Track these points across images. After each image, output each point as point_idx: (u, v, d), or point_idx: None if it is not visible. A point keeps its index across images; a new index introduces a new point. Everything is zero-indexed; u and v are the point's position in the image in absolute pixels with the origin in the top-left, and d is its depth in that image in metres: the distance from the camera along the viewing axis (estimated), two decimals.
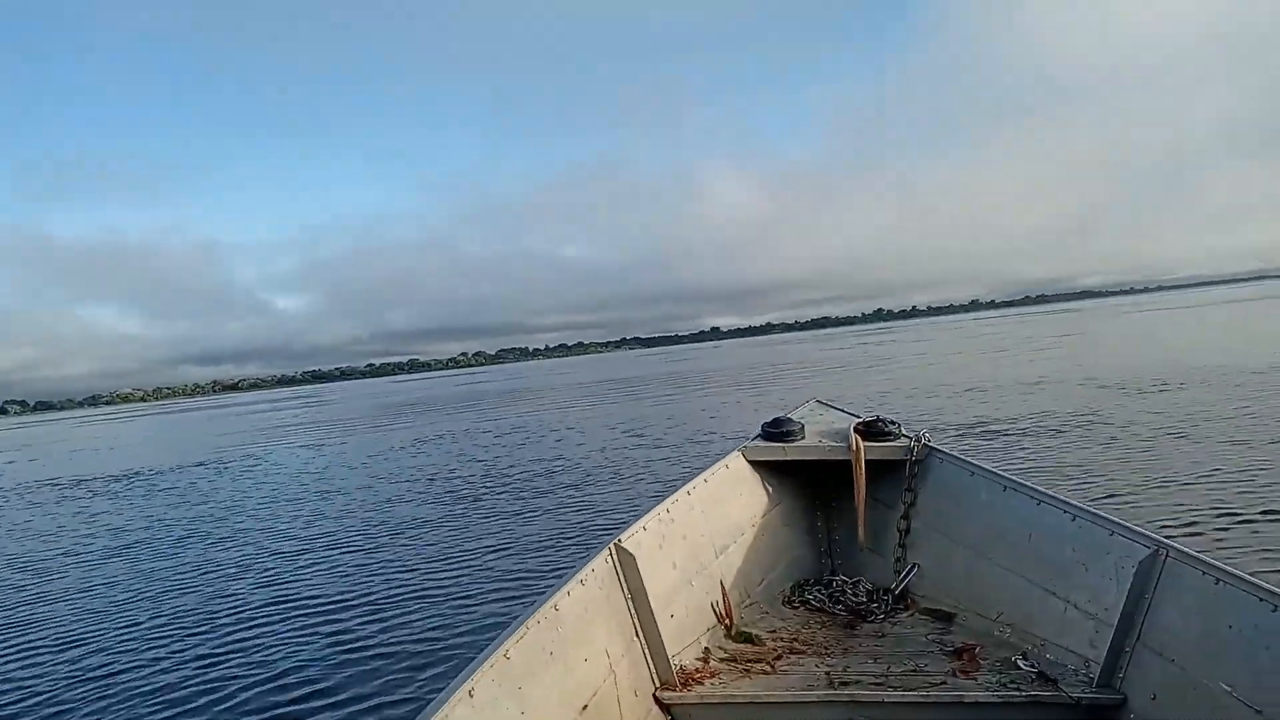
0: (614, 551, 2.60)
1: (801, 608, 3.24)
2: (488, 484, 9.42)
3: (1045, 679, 2.41)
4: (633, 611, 2.57)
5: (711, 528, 3.23)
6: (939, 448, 3.36)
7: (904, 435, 3.48)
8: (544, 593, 2.25)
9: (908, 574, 3.21)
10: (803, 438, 3.61)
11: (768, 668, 2.69)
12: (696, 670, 2.65)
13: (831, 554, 3.59)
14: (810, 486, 3.72)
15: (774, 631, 3.01)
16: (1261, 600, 1.90)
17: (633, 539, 2.70)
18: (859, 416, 3.73)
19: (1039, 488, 2.84)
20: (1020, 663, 2.53)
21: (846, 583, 3.31)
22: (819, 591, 3.30)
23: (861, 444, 3.38)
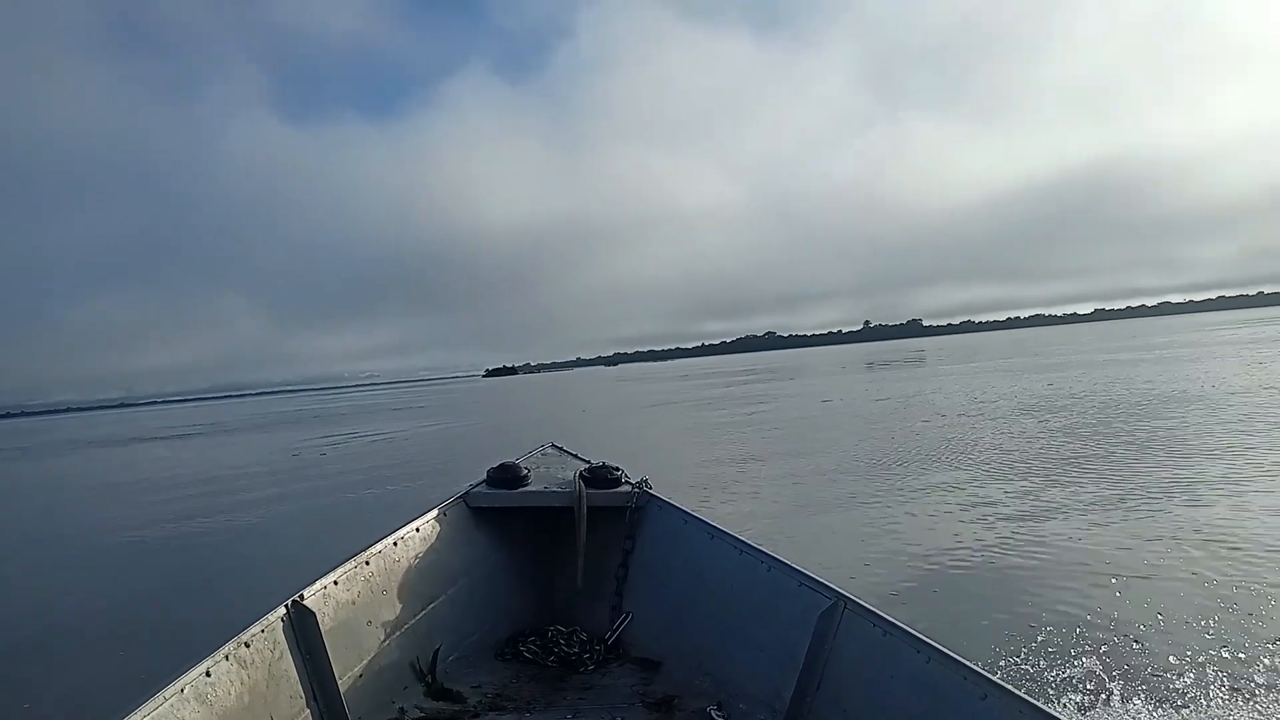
0: (290, 609, 2.33)
1: (514, 660, 3.12)
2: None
3: None
4: (308, 676, 2.31)
5: (421, 578, 3.01)
6: (658, 495, 3.41)
7: (627, 482, 3.48)
8: (194, 661, 1.94)
9: (621, 623, 3.21)
10: (529, 484, 3.51)
11: None
12: None
13: (551, 603, 3.50)
14: (534, 534, 3.61)
15: (478, 686, 2.86)
16: (918, 652, 2.09)
17: (317, 595, 2.45)
18: (589, 462, 3.72)
19: (740, 537, 2.93)
20: (714, 713, 2.58)
21: (561, 633, 3.24)
22: (533, 643, 3.19)
23: (584, 490, 3.35)
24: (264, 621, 2.23)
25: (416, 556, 3.05)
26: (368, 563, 2.78)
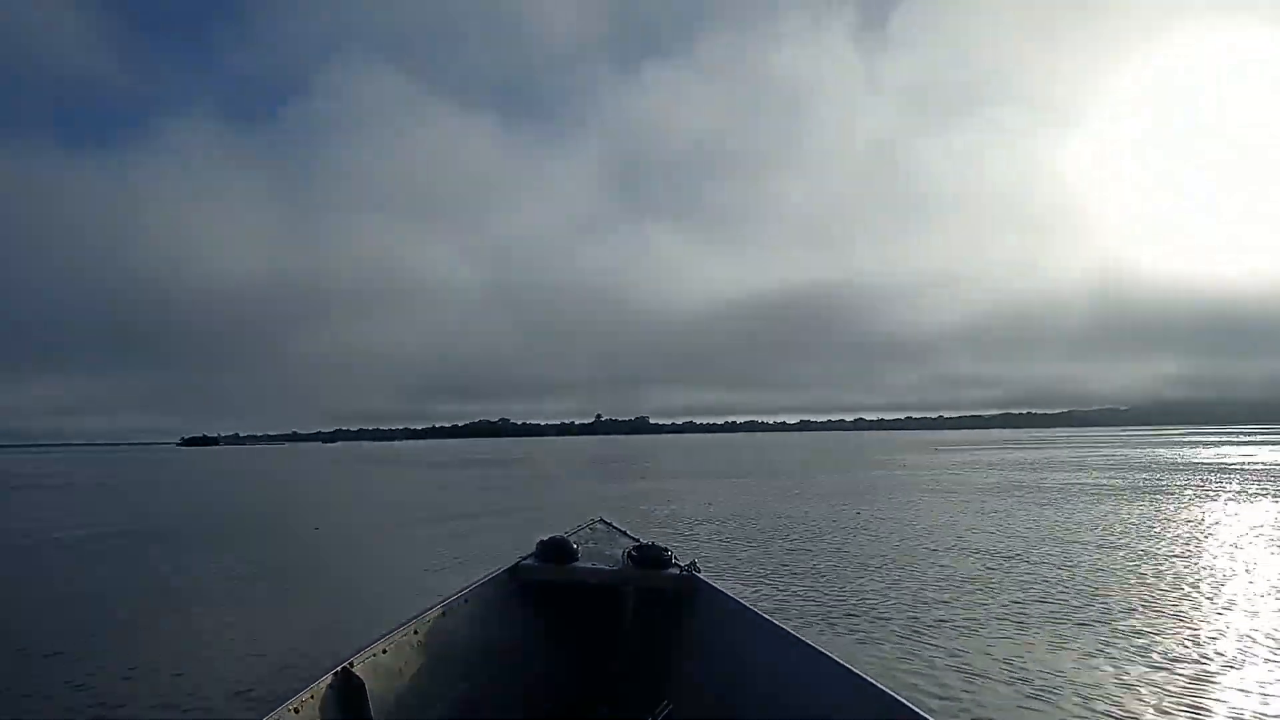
0: (338, 676, 2.33)
1: None
2: None
3: None
4: None
5: (468, 650, 3.02)
6: (709, 580, 3.40)
7: (676, 564, 3.47)
8: None
9: (662, 710, 3.14)
10: (577, 559, 3.48)
11: None
12: None
13: (595, 685, 3.44)
14: (580, 611, 3.57)
15: None
16: None
17: (366, 663, 2.46)
18: (638, 540, 3.72)
19: (791, 630, 2.87)
20: None
21: (603, 715, 3.25)
22: None
23: (632, 570, 3.38)
24: (313, 688, 2.22)
25: (464, 628, 3.08)
26: (416, 631, 2.81)
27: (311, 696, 2.21)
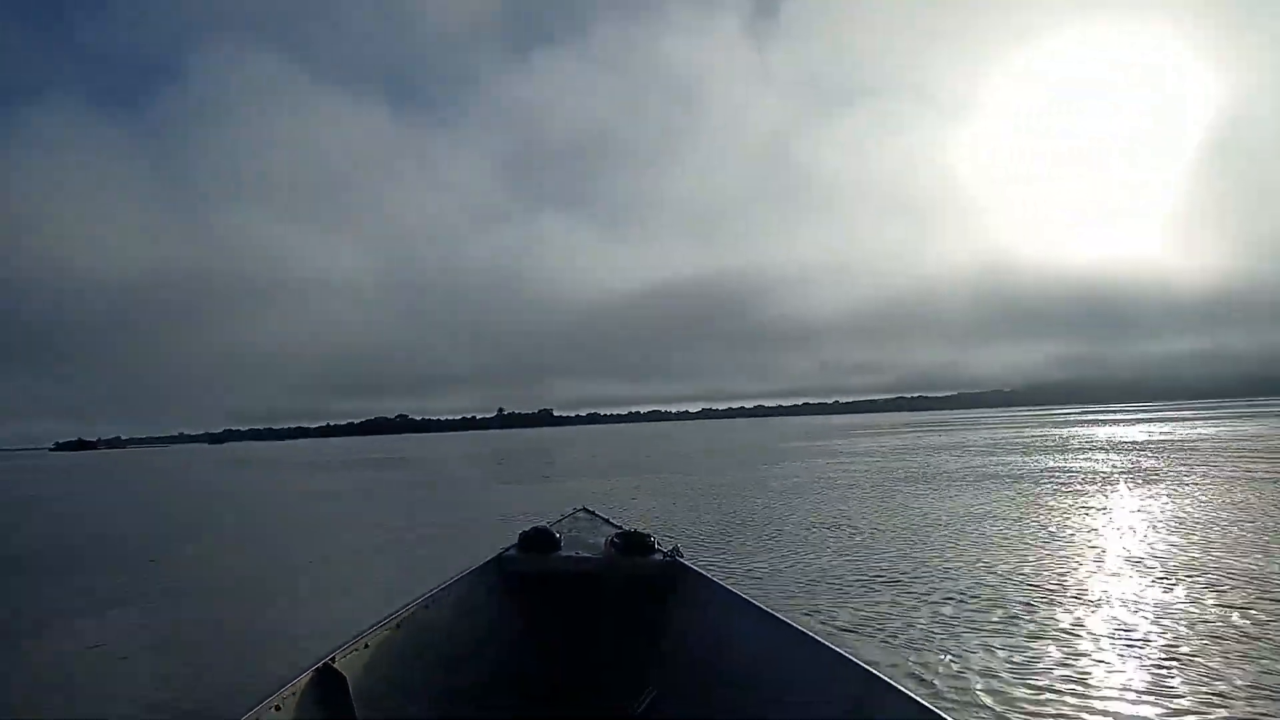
0: (320, 672, 2.32)
1: None
2: None
3: None
4: None
5: (451, 643, 3.01)
6: (693, 566, 3.41)
7: (659, 550, 3.48)
8: None
9: (647, 696, 3.15)
10: (560, 549, 3.51)
11: None
12: None
13: (579, 672, 3.42)
14: (564, 600, 3.55)
15: None
16: None
17: (348, 657, 2.45)
18: (621, 527, 3.72)
19: (772, 611, 2.89)
20: None
21: (588, 703, 3.23)
22: (559, 712, 3.20)
23: (615, 558, 3.40)
24: (294, 685, 2.22)
25: (447, 620, 3.07)
26: (398, 625, 2.79)
27: (293, 693, 2.20)
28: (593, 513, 4.30)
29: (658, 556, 3.46)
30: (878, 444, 32.52)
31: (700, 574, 3.36)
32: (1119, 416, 64.15)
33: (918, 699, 2.15)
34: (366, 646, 2.57)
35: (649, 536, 3.54)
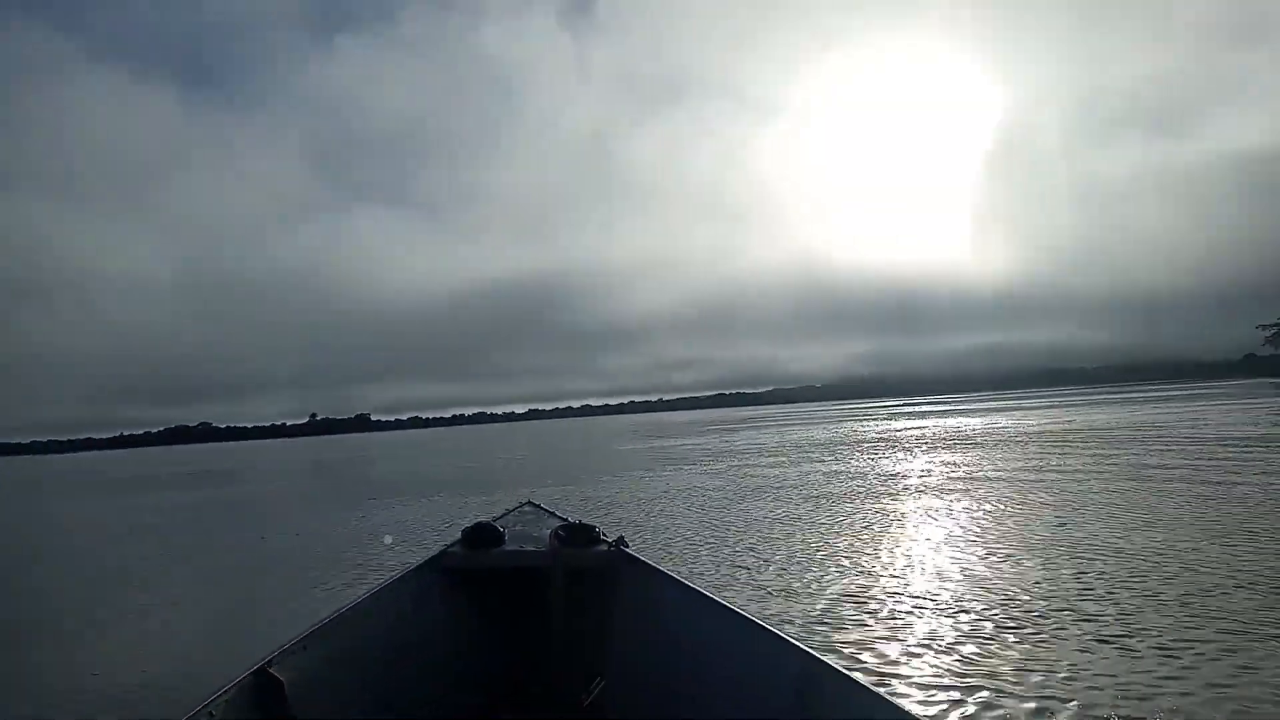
0: (254, 678, 2.31)
1: None
2: None
3: None
4: None
5: (392, 644, 2.98)
6: (637, 555, 3.43)
7: (604, 541, 3.50)
8: None
9: (596, 686, 3.18)
10: (504, 544, 3.50)
11: None
12: None
13: (526, 667, 3.39)
14: (510, 595, 3.50)
15: None
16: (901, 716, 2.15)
17: (285, 660, 2.41)
18: (566, 520, 3.70)
19: (717, 598, 2.97)
20: None
21: (536, 697, 3.24)
22: (507, 708, 3.20)
23: (560, 550, 3.39)
24: (227, 692, 2.19)
25: (387, 621, 3.04)
26: (336, 628, 2.75)
27: (227, 698, 2.17)
28: (539, 506, 4.31)
29: (602, 548, 3.48)
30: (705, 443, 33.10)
31: (646, 563, 3.41)
32: (913, 408, 68.77)
33: (859, 680, 2.27)
34: (304, 649, 2.55)
35: (594, 528, 3.57)
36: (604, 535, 3.56)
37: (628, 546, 3.48)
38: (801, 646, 2.49)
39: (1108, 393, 74.17)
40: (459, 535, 3.63)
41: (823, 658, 2.41)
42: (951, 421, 34.58)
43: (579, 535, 3.52)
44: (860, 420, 45.59)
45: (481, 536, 3.56)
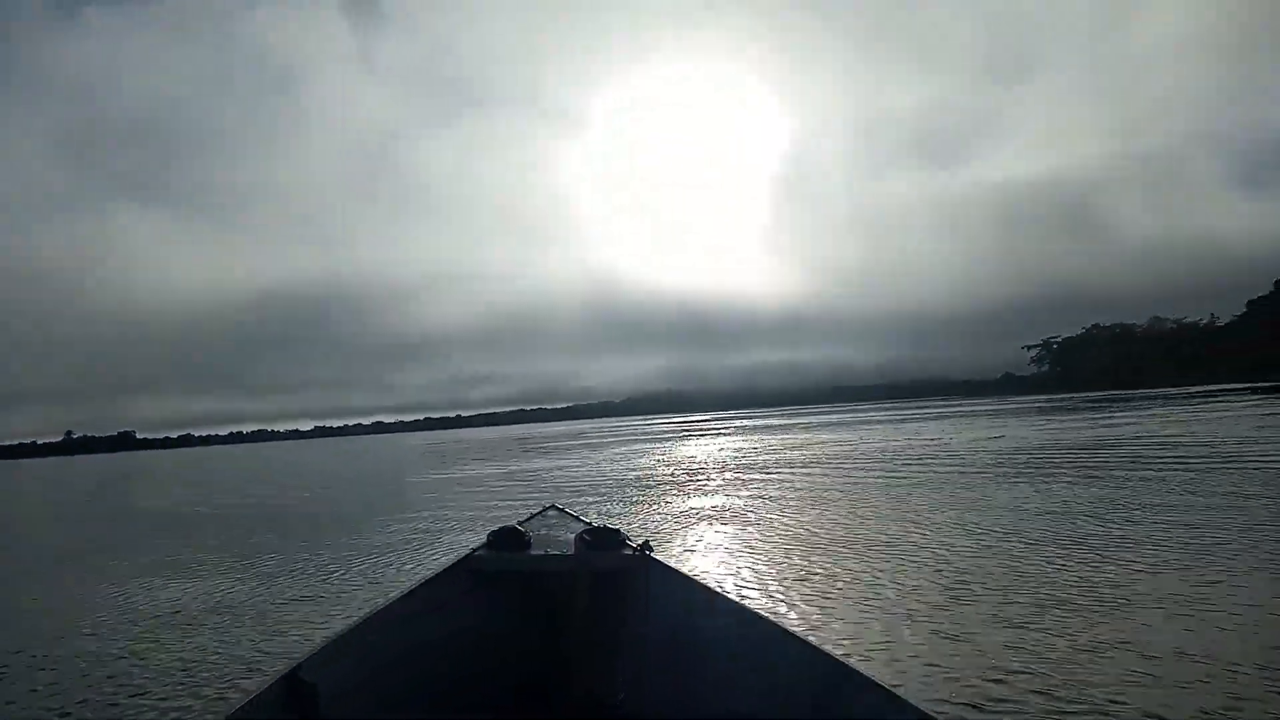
0: (287, 680, 2.36)
1: None
2: None
3: None
4: None
5: (422, 646, 3.04)
6: (660, 559, 3.48)
7: (629, 545, 3.53)
8: None
9: (621, 690, 3.25)
10: (529, 547, 3.55)
11: None
12: None
13: (553, 669, 3.42)
14: (536, 598, 3.54)
15: None
16: None
17: (316, 663, 2.47)
18: (590, 524, 3.74)
19: (742, 602, 3.14)
20: None
21: (563, 700, 3.28)
22: (535, 711, 3.26)
23: (585, 554, 3.43)
24: (261, 693, 2.21)
25: (416, 621, 3.10)
26: (367, 630, 2.82)
27: (260, 702, 2.18)
28: (563, 510, 4.37)
29: (628, 551, 3.52)
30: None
31: (670, 568, 3.47)
32: (704, 424, 69.61)
33: (886, 687, 2.25)
34: (335, 650, 2.58)
35: (618, 532, 3.60)
36: (629, 540, 3.62)
37: (653, 551, 3.53)
38: (826, 650, 2.55)
39: (872, 410, 78.61)
40: (485, 538, 3.65)
41: (846, 661, 2.46)
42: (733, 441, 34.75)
43: (604, 539, 3.55)
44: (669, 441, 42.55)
45: (507, 539, 3.59)
